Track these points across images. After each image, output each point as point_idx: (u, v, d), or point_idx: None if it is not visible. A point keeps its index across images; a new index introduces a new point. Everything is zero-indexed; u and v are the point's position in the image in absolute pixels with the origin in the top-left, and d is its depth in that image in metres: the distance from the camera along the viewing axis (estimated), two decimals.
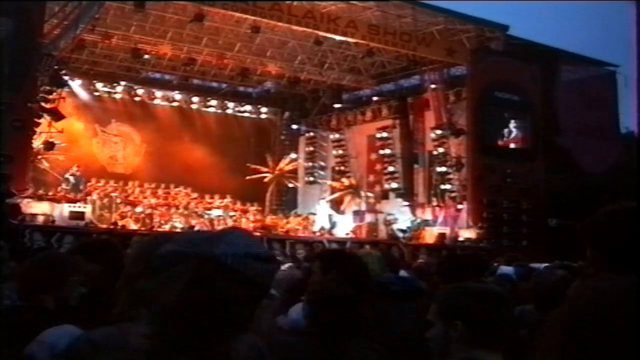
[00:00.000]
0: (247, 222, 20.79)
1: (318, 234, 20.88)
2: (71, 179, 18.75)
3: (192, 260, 1.08)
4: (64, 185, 18.92)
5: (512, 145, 20.79)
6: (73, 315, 2.38)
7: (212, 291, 1.08)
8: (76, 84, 21.86)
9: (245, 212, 22.28)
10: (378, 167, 23.99)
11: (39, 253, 3.52)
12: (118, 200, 19.89)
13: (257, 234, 18.34)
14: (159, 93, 24.05)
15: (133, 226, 18.28)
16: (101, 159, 23.22)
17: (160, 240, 1.15)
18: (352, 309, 2.59)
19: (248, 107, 26.05)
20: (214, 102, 25.19)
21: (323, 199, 24.12)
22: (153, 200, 20.94)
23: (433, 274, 4.27)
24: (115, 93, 23.17)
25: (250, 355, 1.20)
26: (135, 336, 1.14)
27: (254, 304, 1.14)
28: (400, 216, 21.89)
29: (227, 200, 22.11)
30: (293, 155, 26.28)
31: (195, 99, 24.76)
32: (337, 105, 24.36)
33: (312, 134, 26.46)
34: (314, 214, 23.15)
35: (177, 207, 20.78)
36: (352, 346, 2.44)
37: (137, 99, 23.69)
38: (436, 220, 21.18)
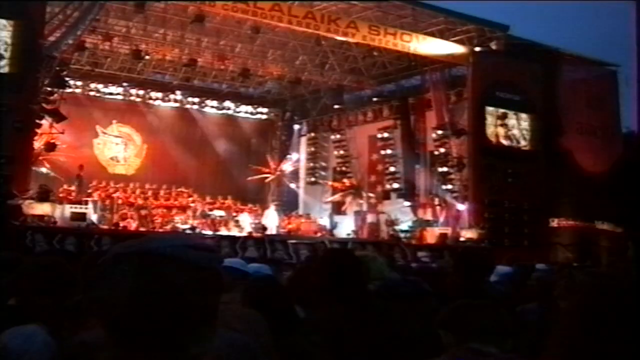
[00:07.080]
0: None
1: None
2: (76, 178, 18.77)
3: (133, 258, 1.09)
4: (66, 186, 18.94)
5: (513, 145, 20.77)
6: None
7: (160, 282, 1.08)
8: (77, 85, 21.84)
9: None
10: (379, 167, 23.97)
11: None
12: (119, 201, 19.90)
13: (259, 234, 18.36)
14: (159, 94, 24.03)
15: (134, 227, 18.28)
16: (102, 160, 23.22)
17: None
18: (285, 307, 2.67)
19: (249, 108, 26.05)
20: (214, 103, 25.21)
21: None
22: (154, 201, 20.91)
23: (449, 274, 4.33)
24: (116, 94, 23.16)
25: (243, 354, 1.20)
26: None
27: (208, 291, 1.12)
28: (402, 216, 21.87)
29: (229, 201, 22.09)
30: (294, 156, 26.26)
31: (196, 99, 24.76)
32: (338, 106, 24.29)
33: (313, 134, 26.43)
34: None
35: (179, 208, 20.76)
36: (289, 341, 2.49)
37: (137, 100, 23.67)
38: (437, 221, 21.15)
